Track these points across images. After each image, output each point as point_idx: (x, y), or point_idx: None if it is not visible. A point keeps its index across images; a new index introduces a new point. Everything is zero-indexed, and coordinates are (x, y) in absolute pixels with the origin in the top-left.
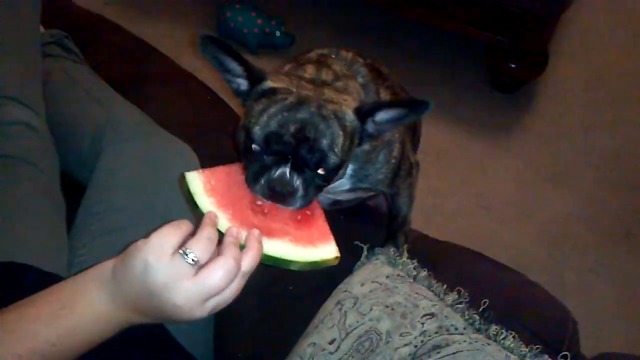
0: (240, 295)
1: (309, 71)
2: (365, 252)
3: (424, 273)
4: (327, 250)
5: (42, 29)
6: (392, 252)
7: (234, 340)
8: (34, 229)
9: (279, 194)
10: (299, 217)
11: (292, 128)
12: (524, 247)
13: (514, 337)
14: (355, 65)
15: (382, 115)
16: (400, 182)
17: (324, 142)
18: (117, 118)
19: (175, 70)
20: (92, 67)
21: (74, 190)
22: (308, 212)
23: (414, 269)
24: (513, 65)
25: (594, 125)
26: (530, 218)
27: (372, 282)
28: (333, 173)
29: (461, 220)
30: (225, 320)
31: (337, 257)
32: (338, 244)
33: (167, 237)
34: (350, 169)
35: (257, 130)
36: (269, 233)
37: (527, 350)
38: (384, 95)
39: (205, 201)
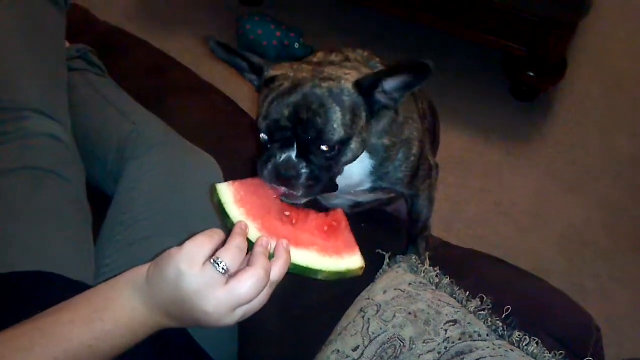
0: (265, 304)
1: (318, 56)
2: (387, 260)
3: (446, 280)
4: (352, 261)
5: (67, 44)
6: (414, 260)
7: (258, 348)
8: (62, 239)
9: (284, 178)
10: (326, 228)
11: (286, 112)
12: (543, 254)
13: (537, 343)
14: (372, 62)
15: (390, 84)
16: (419, 183)
17: (319, 120)
18: (141, 130)
19: (197, 82)
20: (116, 80)
21: (100, 201)
22: (334, 223)
23: (436, 276)
24: (531, 74)
25: (613, 132)
26: (550, 225)
27: (395, 289)
28: (339, 149)
29: (480, 228)
30: (249, 328)
31: (362, 268)
32: (361, 250)
33: (200, 246)
34: (370, 165)
35: (261, 121)
36: (296, 243)
37: (551, 356)
38: None
39: (235, 211)
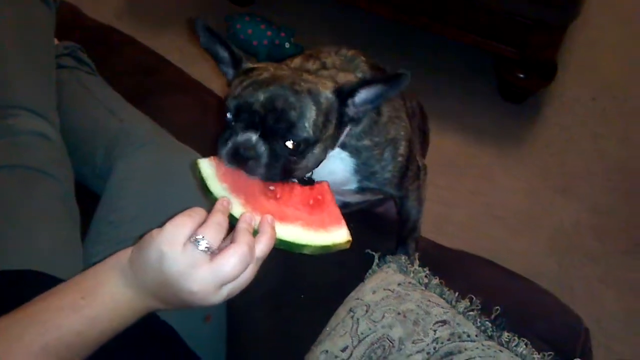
0: (252, 304)
1: (295, 61)
2: (376, 260)
3: (435, 281)
4: (339, 234)
5: (56, 41)
6: (404, 260)
7: (247, 348)
8: (50, 237)
9: (242, 158)
10: (311, 201)
11: (261, 97)
12: (533, 256)
13: (526, 344)
14: (356, 61)
15: (361, 96)
16: (408, 184)
17: (293, 114)
18: (130, 128)
19: (187, 81)
20: (105, 79)
21: (88, 199)
22: (319, 197)
23: (426, 276)
24: (522, 76)
25: (602, 135)
26: (540, 228)
27: (384, 289)
28: (304, 148)
29: (471, 229)
30: (237, 328)
31: (348, 241)
32: (350, 251)
33: (180, 226)
34: (352, 163)
35: (231, 100)
36: (281, 218)
37: (539, 356)
38: None
39: (217, 187)
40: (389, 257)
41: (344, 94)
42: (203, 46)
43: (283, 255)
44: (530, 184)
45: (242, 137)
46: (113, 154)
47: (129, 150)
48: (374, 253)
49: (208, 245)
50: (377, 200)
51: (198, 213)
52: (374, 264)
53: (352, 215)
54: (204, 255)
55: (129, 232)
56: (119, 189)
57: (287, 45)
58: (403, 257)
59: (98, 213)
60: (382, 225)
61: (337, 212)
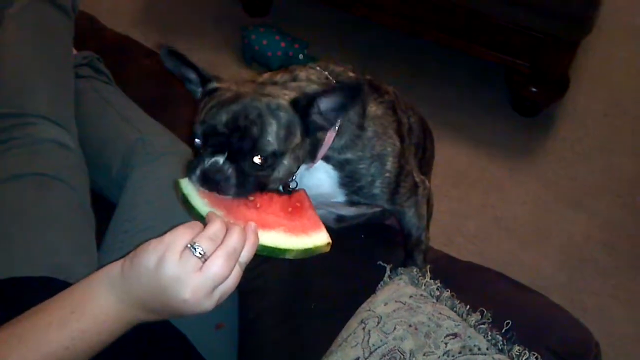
0: (263, 313)
1: (264, 76)
2: (388, 272)
3: (447, 293)
4: (319, 238)
5: (74, 51)
6: (415, 272)
7: (257, 357)
8: (65, 245)
9: (212, 182)
10: (290, 209)
11: (224, 118)
12: (543, 270)
13: (537, 358)
14: (342, 77)
15: (325, 105)
16: (402, 200)
17: (255, 129)
18: (146, 138)
19: None
20: (122, 88)
21: (104, 207)
22: (298, 204)
23: (437, 289)
24: (534, 89)
25: (614, 149)
26: (550, 241)
27: (396, 301)
28: (272, 161)
29: (481, 242)
30: (248, 337)
31: (329, 244)
32: (362, 262)
33: (179, 235)
34: (336, 175)
35: (197, 125)
36: (263, 225)
37: None
38: (375, 110)
39: (199, 202)
40: (400, 269)
41: (301, 106)
42: (168, 69)
43: (294, 265)
44: (541, 197)
45: (208, 162)
46: (130, 164)
47: (145, 160)
48: (385, 265)
49: (203, 252)
50: (374, 215)
51: (197, 225)
52: (386, 275)
53: (363, 227)
54: (197, 261)
55: (144, 241)
56: (134, 198)
57: (300, 56)
58: (415, 270)
59: (113, 221)
60: (393, 237)
61: (315, 217)
